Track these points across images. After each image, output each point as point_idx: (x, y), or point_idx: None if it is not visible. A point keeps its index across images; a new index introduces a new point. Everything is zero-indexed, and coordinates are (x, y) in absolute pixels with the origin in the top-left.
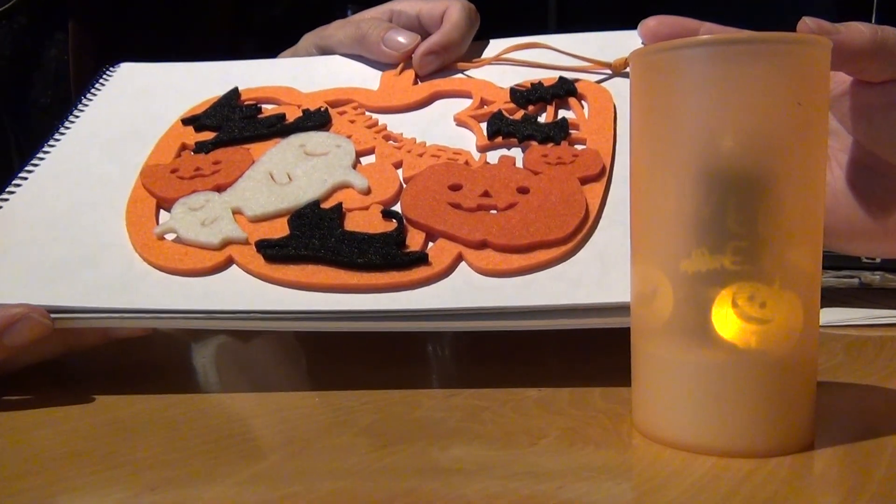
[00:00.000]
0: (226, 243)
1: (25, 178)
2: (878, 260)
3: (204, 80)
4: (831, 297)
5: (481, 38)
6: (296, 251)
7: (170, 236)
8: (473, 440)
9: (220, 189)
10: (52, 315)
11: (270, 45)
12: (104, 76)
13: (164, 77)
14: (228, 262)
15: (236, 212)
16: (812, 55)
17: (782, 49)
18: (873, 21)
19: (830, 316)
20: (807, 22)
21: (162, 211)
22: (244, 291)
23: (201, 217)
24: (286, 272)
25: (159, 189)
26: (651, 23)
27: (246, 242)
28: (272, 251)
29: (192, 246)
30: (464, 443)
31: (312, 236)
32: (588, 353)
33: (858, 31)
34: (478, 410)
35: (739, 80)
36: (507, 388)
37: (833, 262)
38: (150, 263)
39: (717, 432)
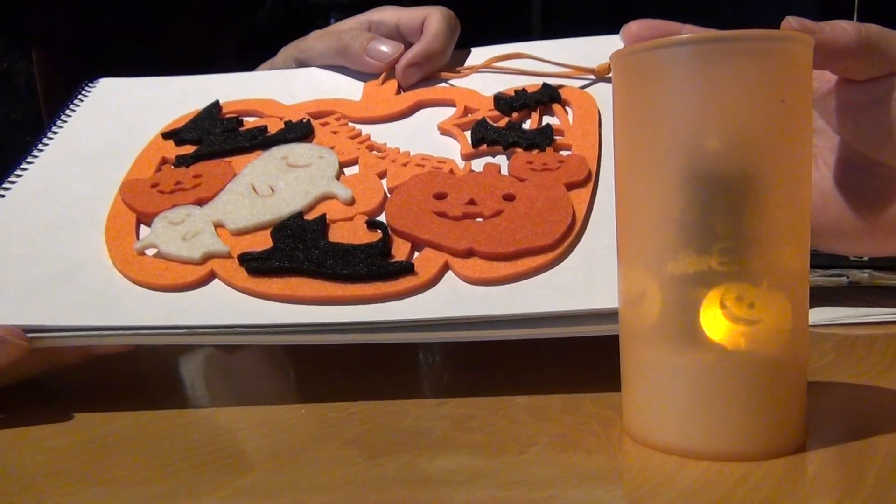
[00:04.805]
0: (207, 257)
1: (2, 196)
2: (865, 258)
3: (184, 94)
4: (820, 296)
5: (466, 45)
6: (279, 264)
7: (150, 251)
8: (462, 449)
9: (201, 203)
10: (30, 334)
11: (250, 56)
12: (83, 92)
13: (143, 92)
14: (210, 277)
15: (218, 225)
16: (794, 52)
17: (764, 46)
18: (855, 20)
19: (820, 315)
20: (790, 21)
21: (142, 226)
22: (227, 306)
23: (182, 231)
24: (270, 285)
25: (139, 204)
26: (633, 27)
27: (228, 256)
28: (255, 264)
29: (173, 261)
30: (452, 452)
31: (296, 248)
32: (579, 357)
33: (842, 29)
34: (466, 419)
35: (722, 78)
36: (496, 395)
37: (821, 260)
38: (130, 279)
39: (708, 436)
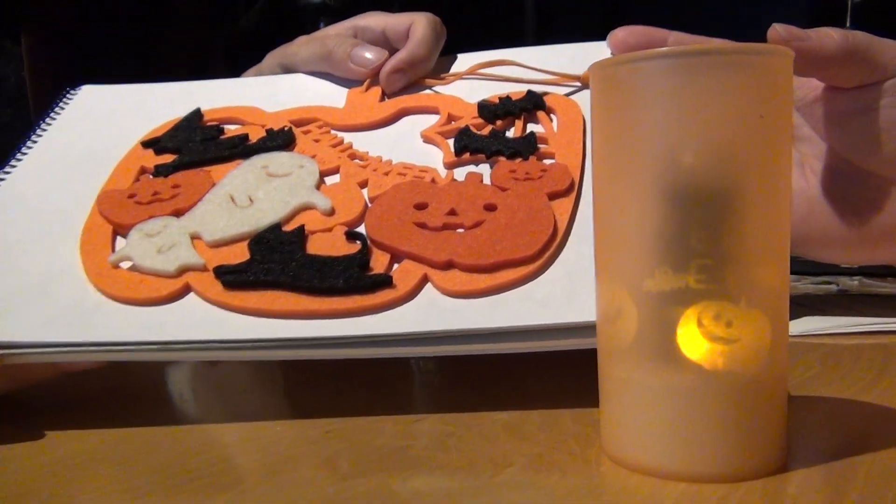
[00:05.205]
0: (183, 270)
1: None
2: (854, 265)
3: (166, 102)
4: (809, 305)
5: (460, 51)
6: (255, 277)
7: (125, 264)
8: (436, 470)
9: (178, 213)
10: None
11: (241, 59)
12: (64, 99)
13: (125, 99)
14: (185, 290)
15: (195, 237)
16: (773, 65)
17: (742, 60)
18: (848, 28)
19: (806, 325)
20: (777, 29)
21: (119, 238)
22: (202, 320)
23: (158, 243)
24: (245, 299)
25: (116, 215)
26: (620, 33)
27: (204, 269)
28: (230, 277)
29: (148, 274)
30: (426, 473)
31: (272, 261)
32: (560, 370)
33: (829, 36)
34: (443, 437)
35: (699, 92)
36: (474, 411)
37: (811, 267)
38: (103, 293)
39: (686, 457)
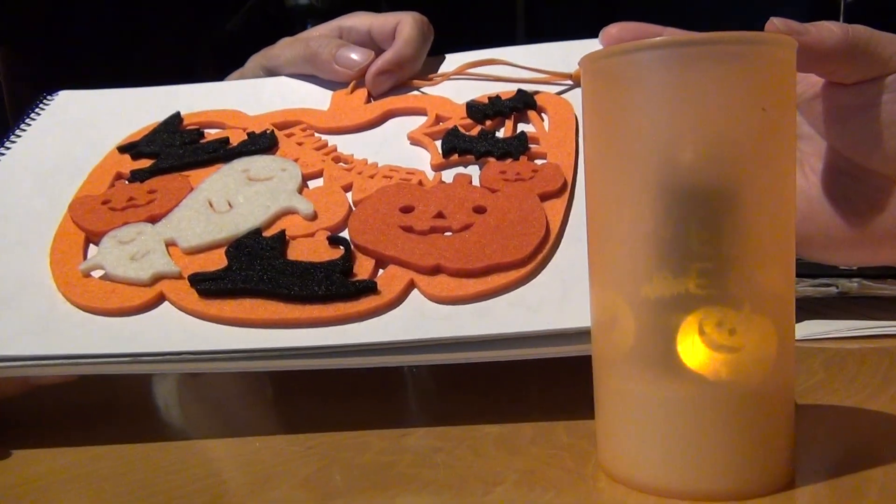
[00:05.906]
0: (157, 278)
1: None
2: (854, 266)
3: (146, 106)
4: (808, 308)
5: (449, 50)
6: (233, 284)
7: (97, 273)
8: (423, 489)
9: (154, 220)
10: None
11: (229, 62)
12: (41, 105)
13: (104, 104)
14: (159, 300)
15: (170, 244)
16: (776, 56)
17: (743, 50)
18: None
19: (808, 329)
20: (775, 22)
21: (91, 246)
22: (176, 331)
23: (131, 251)
24: (222, 308)
25: (88, 222)
26: (612, 30)
27: (179, 277)
28: (206, 285)
29: (121, 282)
30: (412, 493)
31: (251, 268)
32: (555, 378)
33: (829, 30)
34: (431, 452)
35: (698, 85)
36: (465, 424)
37: (809, 269)
38: (73, 303)
39: (688, 473)
